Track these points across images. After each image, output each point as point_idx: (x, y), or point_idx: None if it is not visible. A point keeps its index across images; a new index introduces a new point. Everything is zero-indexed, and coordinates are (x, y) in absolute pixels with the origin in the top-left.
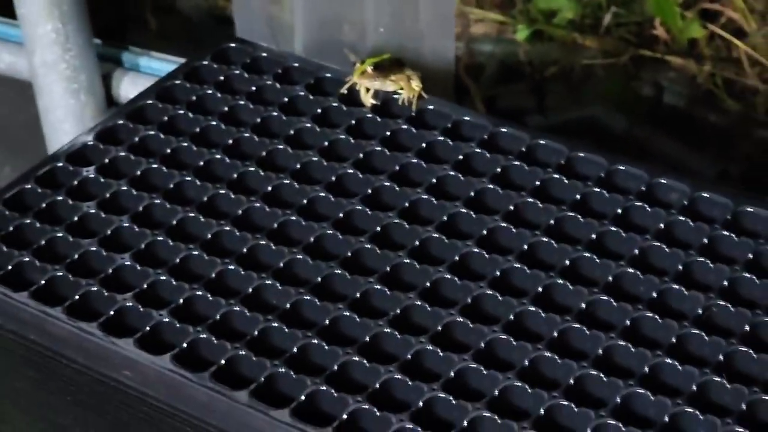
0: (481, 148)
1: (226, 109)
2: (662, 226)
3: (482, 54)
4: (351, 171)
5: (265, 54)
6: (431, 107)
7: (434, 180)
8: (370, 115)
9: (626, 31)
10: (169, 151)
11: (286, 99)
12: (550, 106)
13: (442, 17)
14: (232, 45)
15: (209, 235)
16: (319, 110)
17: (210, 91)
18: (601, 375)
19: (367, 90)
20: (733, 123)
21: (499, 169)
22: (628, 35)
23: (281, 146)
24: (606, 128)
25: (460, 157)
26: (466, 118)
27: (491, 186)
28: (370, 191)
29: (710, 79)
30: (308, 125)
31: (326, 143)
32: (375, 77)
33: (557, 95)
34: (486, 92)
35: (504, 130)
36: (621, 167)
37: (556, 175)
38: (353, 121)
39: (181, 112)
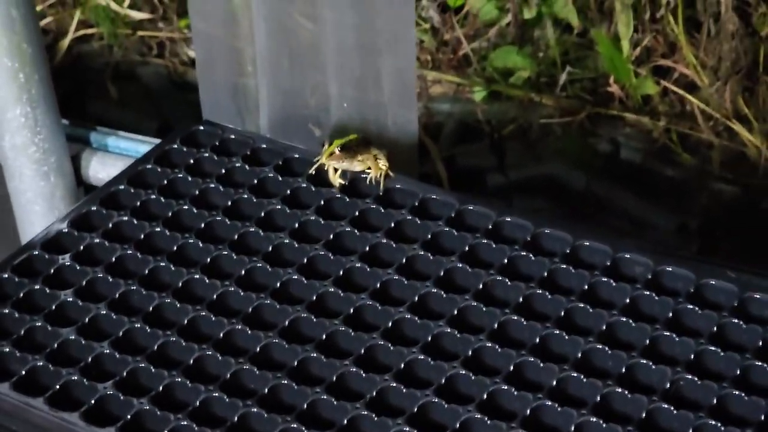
0: (449, 226)
1: (197, 192)
2: (627, 300)
3: (440, 114)
4: (322, 252)
5: (233, 136)
6: (398, 186)
7: (404, 260)
8: (338, 196)
9: (581, 88)
10: (142, 236)
11: (255, 181)
12: (509, 164)
13: (403, 89)
14: (201, 128)
15: (185, 321)
16: (289, 191)
17: (181, 175)
18: None
19: (335, 170)
20: (689, 176)
21: (467, 248)
22: (583, 93)
23: (252, 229)
24: (565, 185)
25: (429, 236)
26: (433, 196)
27: (460, 264)
28: (341, 272)
29: (665, 134)
30: (278, 207)
31: (297, 225)
32: (343, 158)
33: (516, 153)
34: (445, 152)
35: (471, 207)
36: (586, 243)
37: (523, 252)
38: (322, 202)
39: (153, 196)
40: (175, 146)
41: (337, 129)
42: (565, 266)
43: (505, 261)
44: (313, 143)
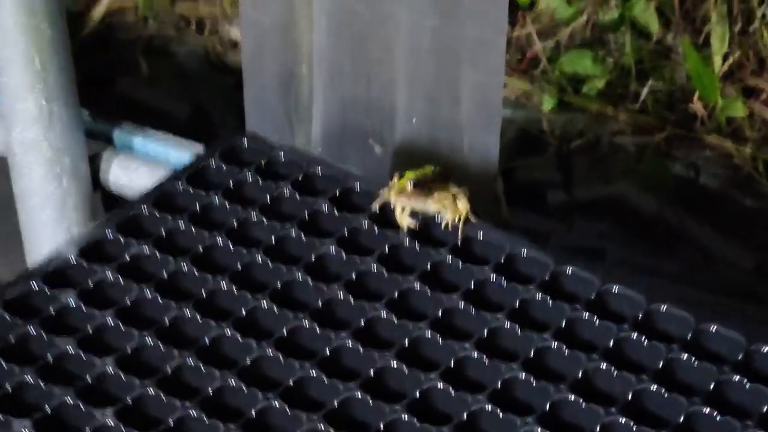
0: (543, 291)
1: (235, 223)
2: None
3: (501, 120)
4: (384, 314)
5: (282, 154)
6: (480, 235)
7: (485, 332)
8: (407, 242)
9: (656, 100)
10: (165, 274)
11: (306, 214)
12: (574, 182)
13: (486, 108)
14: (245, 141)
15: (210, 390)
16: (346, 231)
17: (218, 200)
18: None
19: (403, 209)
20: None
21: (563, 323)
22: (660, 109)
23: (300, 275)
24: (634, 209)
25: (517, 303)
26: (524, 252)
27: (554, 345)
28: (406, 342)
29: (750, 162)
30: (333, 249)
31: (354, 275)
32: (415, 195)
33: (582, 170)
34: (504, 163)
35: (570, 271)
36: (661, 309)
37: (633, 334)
38: (387, 248)
39: (183, 225)
40: (213, 163)
41: (401, 149)
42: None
43: (611, 343)
44: (372, 161)
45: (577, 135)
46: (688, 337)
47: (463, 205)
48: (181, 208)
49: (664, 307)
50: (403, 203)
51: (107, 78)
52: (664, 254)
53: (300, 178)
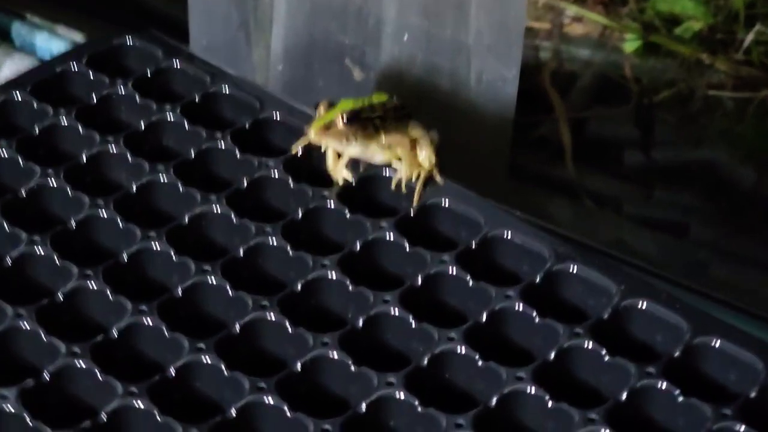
0: (529, 303)
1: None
2: None
3: (576, 61)
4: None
5: (177, 62)
6: (445, 203)
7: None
8: (331, 203)
9: (765, 52)
10: None
11: (193, 153)
12: (657, 141)
13: (505, 28)
14: (128, 40)
15: None
16: (247, 183)
17: (64, 119)
18: None
19: (339, 155)
20: None
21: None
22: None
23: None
24: (726, 178)
25: (488, 320)
26: (508, 235)
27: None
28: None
29: None
30: (216, 208)
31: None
32: (351, 136)
33: (668, 128)
34: (574, 112)
35: (573, 269)
36: None
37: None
38: (300, 212)
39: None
40: (75, 67)
41: (387, 75)
42: None
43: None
44: (348, 88)
45: (665, 85)
46: None
47: (426, 157)
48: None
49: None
50: (336, 146)
51: None
52: (760, 239)
53: (197, 100)
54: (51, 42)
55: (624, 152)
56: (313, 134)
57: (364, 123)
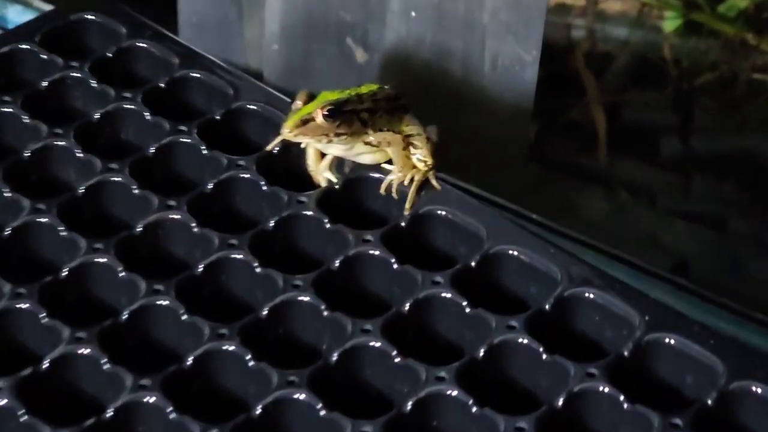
0: (536, 338)
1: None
2: None
3: (611, 41)
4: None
5: (142, 44)
6: (443, 210)
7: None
8: (309, 210)
9: None
10: None
11: (154, 150)
12: (696, 128)
13: (525, 5)
14: (86, 18)
15: None
16: (212, 187)
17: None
18: None
19: (322, 155)
20: None
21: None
22: None
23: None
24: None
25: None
26: (514, 253)
27: None
28: None
29: None
30: (178, 216)
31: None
32: (331, 131)
33: (709, 113)
34: (609, 95)
35: (590, 296)
36: None
37: None
38: (273, 221)
39: None
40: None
41: (392, 56)
42: None
43: None
44: (350, 71)
45: (707, 67)
46: None
47: (421, 157)
48: None
49: None
50: (316, 144)
51: None
52: None
53: (164, 85)
54: (25, 16)
55: (660, 140)
56: (287, 130)
57: (348, 117)
